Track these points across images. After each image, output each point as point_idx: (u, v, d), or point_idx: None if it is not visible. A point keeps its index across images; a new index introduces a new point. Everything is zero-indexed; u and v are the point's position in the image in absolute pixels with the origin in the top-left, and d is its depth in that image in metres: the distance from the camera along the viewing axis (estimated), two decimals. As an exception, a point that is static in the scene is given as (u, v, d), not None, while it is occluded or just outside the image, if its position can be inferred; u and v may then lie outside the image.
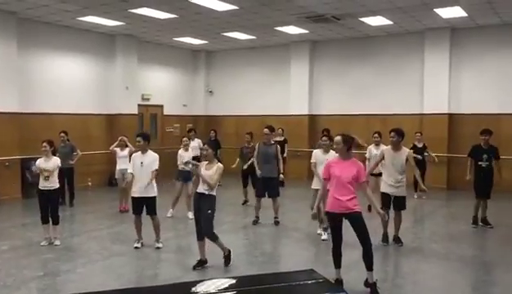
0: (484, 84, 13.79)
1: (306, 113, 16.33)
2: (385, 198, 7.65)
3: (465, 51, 14.03)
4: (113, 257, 7.30)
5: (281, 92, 16.84)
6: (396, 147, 7.56)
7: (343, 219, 5.49)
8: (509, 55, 13.48)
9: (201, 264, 6.58)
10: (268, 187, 9.21)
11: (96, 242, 8.19)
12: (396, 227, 7.84)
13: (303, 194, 13.53)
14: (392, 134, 7.58)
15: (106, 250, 7.72)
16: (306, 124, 16.23)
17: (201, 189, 6.47)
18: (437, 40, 14.12)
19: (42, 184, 7.80)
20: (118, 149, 10.69)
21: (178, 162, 9.93)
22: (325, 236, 8.06)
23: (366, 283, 5.55)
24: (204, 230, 6.50)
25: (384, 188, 7.72)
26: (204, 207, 6.44)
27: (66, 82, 13.93)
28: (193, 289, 3.27)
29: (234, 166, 11.21)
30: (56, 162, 7.87)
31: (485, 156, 8.82)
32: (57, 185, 7.91)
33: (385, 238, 7.85)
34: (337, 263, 5.60)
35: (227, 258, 6.68)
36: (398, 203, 7.70)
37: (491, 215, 9.29)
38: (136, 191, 7.46)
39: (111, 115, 15.09)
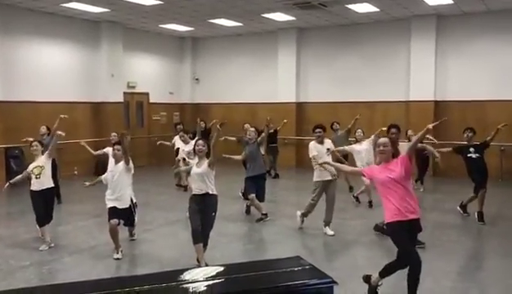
0: (470, 71, 13.89)
1: (293, 100, 16.32)
2: None
3: (451, 38, 14.10)
4: (100, 246, 7.27)
5: (269, 80, 16.77)
6: (395, 144, 7.17)
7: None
8: (494, 42, 13.58)
9: None
10: (259, 186, 8.91)
11: (83, 232, 8.15)
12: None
13: (292, 184, 13.63)
14: (394, 130, 7.06)
15: (93, 239, 7.69)
16: (294, 112, 16.21)
17: (204, 188, 6.12)
18: (423, 27, 14.16)
19: (35, 185, 7.14)
20: (110, 149, 8.63)
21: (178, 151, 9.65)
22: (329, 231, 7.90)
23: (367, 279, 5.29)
24: (207, 235, 6.16)
25: None
26: (209, 210, 6.12)
27: (51, 70, 13.74)
28: (181, 277, 3.26)
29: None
30: (45, 158, 7.24)
31: (472, 149, 8.70)
32: (51, 184, 7.29)
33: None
34: None
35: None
36: None
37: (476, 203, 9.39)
38: (113, 201, 6.76)
39: (97, 103, 14.94)
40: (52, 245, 7.15)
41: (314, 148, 7.82)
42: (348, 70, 15.56)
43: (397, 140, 6.99)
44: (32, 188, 7.18)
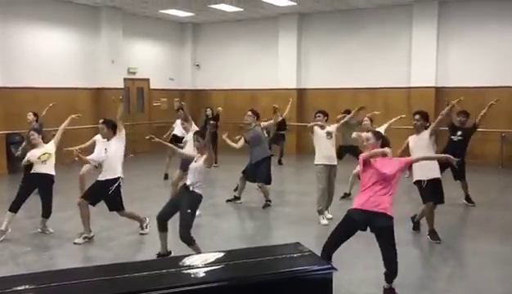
0: (471, 57, 13.80)
1: (294, 86, 16.25)
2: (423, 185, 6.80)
3: (453, 23, 13.98)
4: (101, 232, 7.29)
5: (270, 66, 16.68)
6: (419, 131, 6.87)
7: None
8: (496, 28, 13.46)
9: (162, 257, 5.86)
10: (259, 171, 8.70)
11: (84, 218, 8.15)
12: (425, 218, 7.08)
13: (293, 170, 13.65)
14: (417, 116, 6.80)
15: (94, 225, 7.68)
16: (294, 98, 16.10)
17: (188, 181, 5.80)
18: (425, 12, 14.05)
19: (38, 169, 7.03)
20: (99, 136, 8.73)
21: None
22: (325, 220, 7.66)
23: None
24: (180, 233, 5.62)
25: (420, 175, 6.74)
26: (184, 204, 5.65)
27: (50, 56, 13.68)
28: (179, 263, 3.27)
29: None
30: (52, 145, 7.27)
31: (459, 132, 8.67)
32: (53, 172, 7.15)
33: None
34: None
35: None
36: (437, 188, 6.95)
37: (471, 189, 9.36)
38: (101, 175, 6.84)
39: (97, 89, 14.89)
40: (8, 231, 6.96)
41: (316, 131, 7.74)
42: (350, 56, 15.46)
43: (421, 127, 6.84)
44: (33, 171, 7.05)
